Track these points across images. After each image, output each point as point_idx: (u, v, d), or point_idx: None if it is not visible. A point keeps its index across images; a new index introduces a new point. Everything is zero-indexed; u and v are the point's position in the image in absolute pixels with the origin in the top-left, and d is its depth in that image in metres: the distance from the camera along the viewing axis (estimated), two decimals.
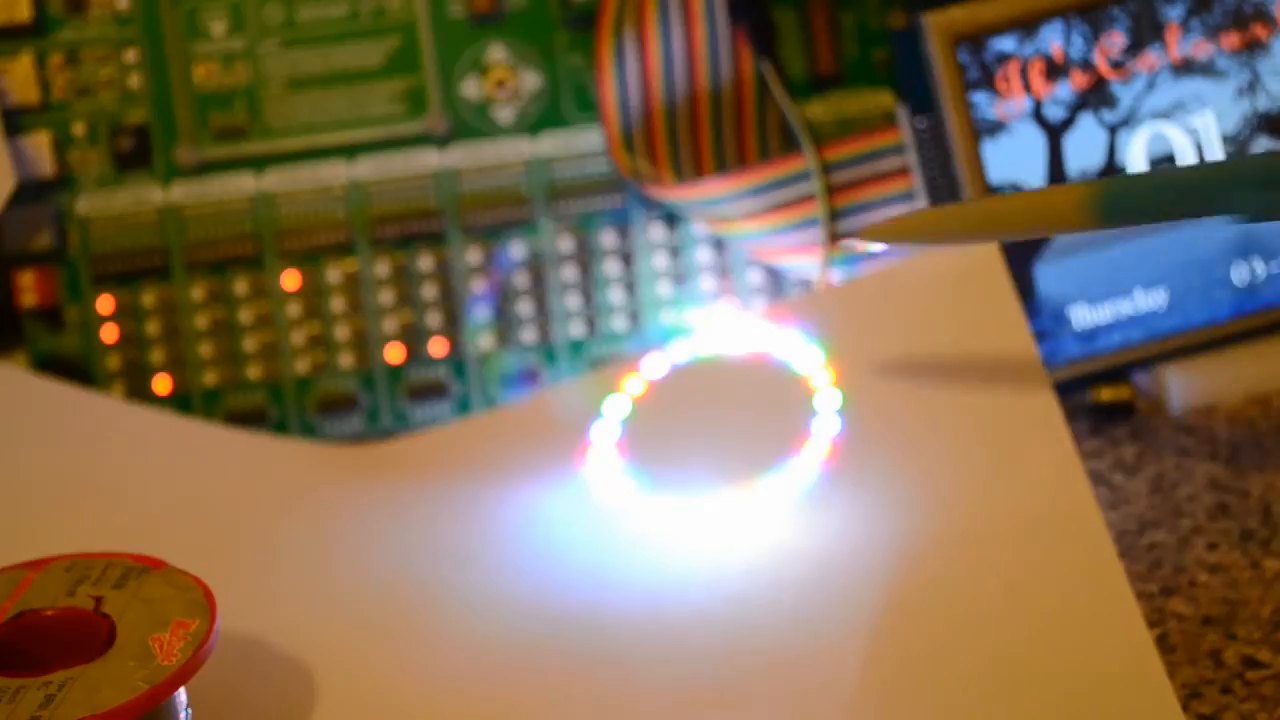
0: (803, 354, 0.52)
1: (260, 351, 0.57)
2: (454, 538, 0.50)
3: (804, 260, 0.56)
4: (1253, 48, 0.55)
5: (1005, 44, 0.54)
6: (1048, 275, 0.54)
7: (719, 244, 0.57)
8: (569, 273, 0.58)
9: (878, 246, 0.45)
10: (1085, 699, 0.41)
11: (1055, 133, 0.55)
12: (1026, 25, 0.54)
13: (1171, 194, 0.37)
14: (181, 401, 0.57)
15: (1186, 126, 0.55)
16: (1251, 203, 0.35)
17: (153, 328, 0.57)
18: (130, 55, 0.57)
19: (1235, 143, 0.55)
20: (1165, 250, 0.55)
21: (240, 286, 0.57)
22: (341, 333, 0.57)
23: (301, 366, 0.57)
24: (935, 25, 0.54)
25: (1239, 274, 0.55)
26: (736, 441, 0.51)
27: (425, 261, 0.57)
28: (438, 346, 0.58)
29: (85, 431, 0.55)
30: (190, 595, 0.40)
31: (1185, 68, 0.55)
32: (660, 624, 0.45)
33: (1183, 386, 0.55)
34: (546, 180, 0.58)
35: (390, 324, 0.57)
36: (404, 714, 0.43)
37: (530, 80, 0.58)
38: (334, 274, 0.57)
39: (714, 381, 0.53)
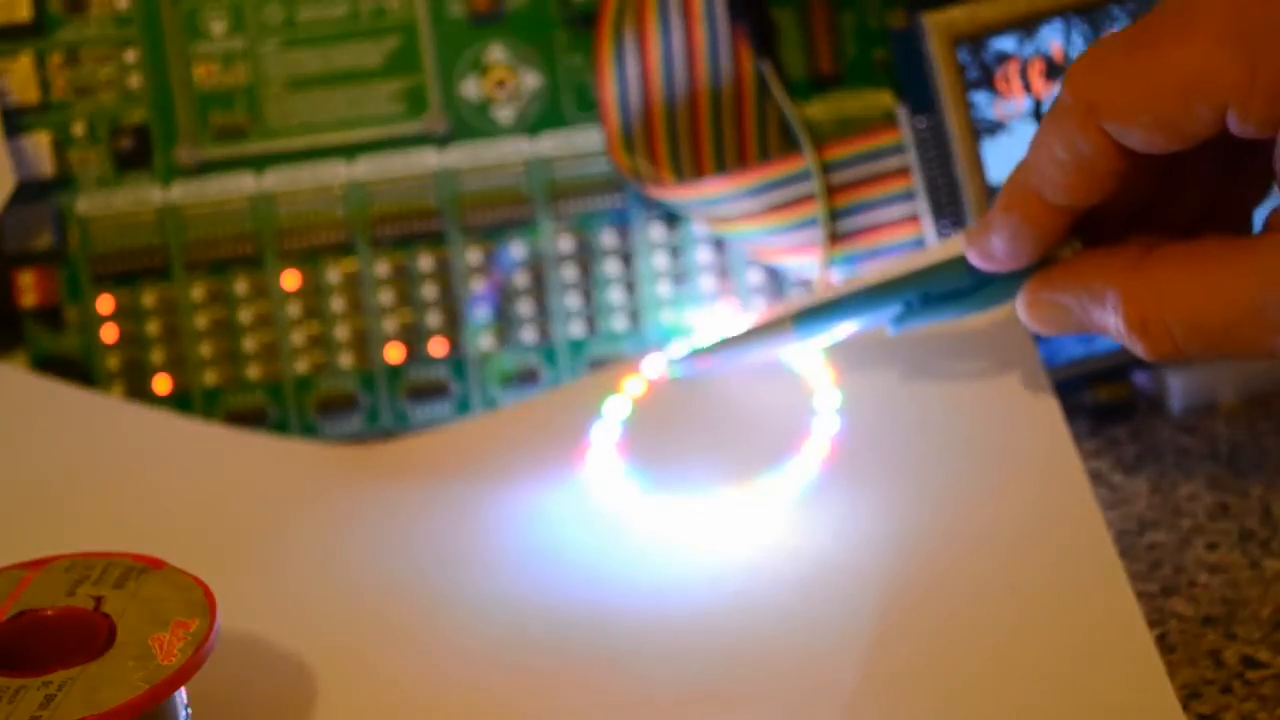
0: (803, 354, 0.52)
1: (260, 351, 0.57)
2: (455, 538, 0.50)
3: (804, 260, 0.56)
4: None
5: (1005, 44, 0.54)
6: None
7: (719, 244, 0.57)
8: (569, 273, 0.58)
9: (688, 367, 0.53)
10: (1086, 699, 0.41)
11: None
12: (1026, 25, 0.54)
13: (837, 317, 0.49)
14: (181, 401, 0.57)
15: None
16: (893, 320, 0.48)
17: (153, 328, 0.57)
18: (130, 55, 0.57)
19: None
20: None
21: (240, 286, 0.57)
22: (341, 333, 0.57)
23: (301, 366, 0.57)
24: (935, 25, 0.54)
25: None
26: (736, 441, 0.51)
27: (425, 261, 0.57)
28: (438, 346, 0.58)
29: (85, 431, 0.55)
30: (190, 595, 0.40)
31: None
32: (660, 624, 0.45)
33: (1183, 386, 0.55)
34: (546, 180, 0.58)
35: (390, 324, 0.57)
36: (404, 713, 0.43)
37: (530, 80, 0.58)
38: (334, 274, 0.57)
39: (714, 381, 0.53)
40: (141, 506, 0.52)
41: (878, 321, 0.48)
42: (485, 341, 0.58)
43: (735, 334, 0.52)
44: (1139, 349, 0.42)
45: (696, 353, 0.52)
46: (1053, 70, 0.54)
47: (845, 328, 0.49)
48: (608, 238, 0.58)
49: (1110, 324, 0.43)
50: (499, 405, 0.57)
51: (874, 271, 0.52)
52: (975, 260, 0.46)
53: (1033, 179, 0.43)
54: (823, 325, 0.49)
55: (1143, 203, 0.45)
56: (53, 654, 0.38)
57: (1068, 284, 0.44)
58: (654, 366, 0.54)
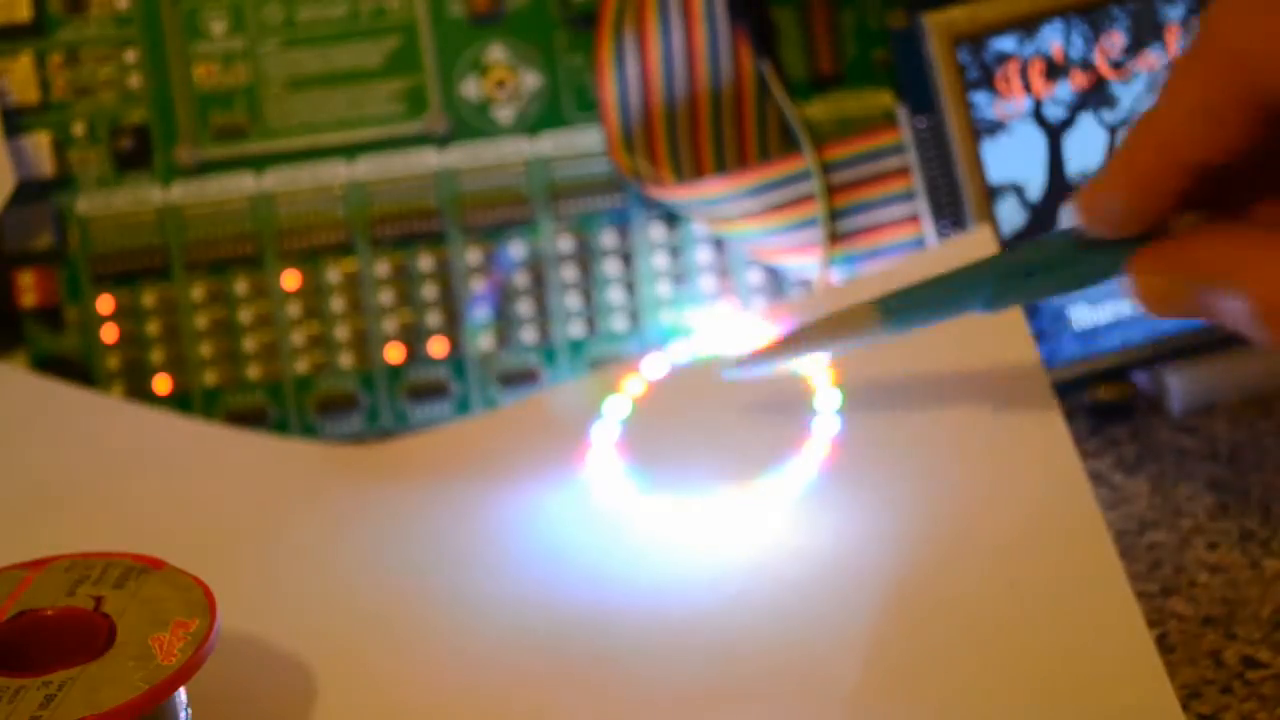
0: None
1: (260, 351, 0.57)
2: (454, 538, 0.50)
3: (804, 260, 0.56)
4: None
5: (1005, 44, 0.54)
6: None
7: (719, 244, 0.57)
8: (569, 273, 0.58)
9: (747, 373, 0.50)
10: (1086, 699, 0.41)
11: (1055, 133, 0.55)
12: (1026, 25, 0.54)
13: (932, 299, 0.46)
14: (181, 401, 0.57)
15: None
16: (989, 298, 0.45)
17: (153, 328, 0.57)
18: (130, 55, 0.57)
19: None
20: None
21: (240, 286, 0.57)
22: (341, 333, 0.57)
23: (301, 366, 0.57)
24: (935, 25, 0.54)
25: None
26: (736, 441, 0.51)
27: (425, 261, 0.57)
28: (438, 346, 0.58)
29: (85, 431, 0.55)
30: (190, 595, 0.40)
31: None
32: (661, 624, 0.45)
33: (1183, 386, 0.55)
34: (546, 180, 0.58)
35: (390, 324, 0.57)
36: (404, 713, 0.43)
37: (530, 80, 0.58)
38: (334, 274, 0.57)
39: (714, 381, 0.53)
40: (141, 506, 0.52)
41: (971, 306, 0.45)
42: (485, 341, 0.58)
43: (805, 328, 0.48)
44: (1265, 338, 0.38)
45: (757, 352, 0.49)
46: (1053, 70, 0.54)
47: (939, 314, 0.46)
48: (608, 238, 0.58)
49: (1229, 310, 0.39)
50: (499, 405, 0.57)
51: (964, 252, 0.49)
52: (1084, 219, 0.41)
53: (1157, 129, 0.40)
54: (914, 314, 0.46)
55: (1269, 170, 0.41)
56: (53, 654, 0.38)
57: (1183, 261, 0.40)
58: (656, 366, 0.53)
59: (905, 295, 0.46)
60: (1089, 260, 0.43)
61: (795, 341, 0.48)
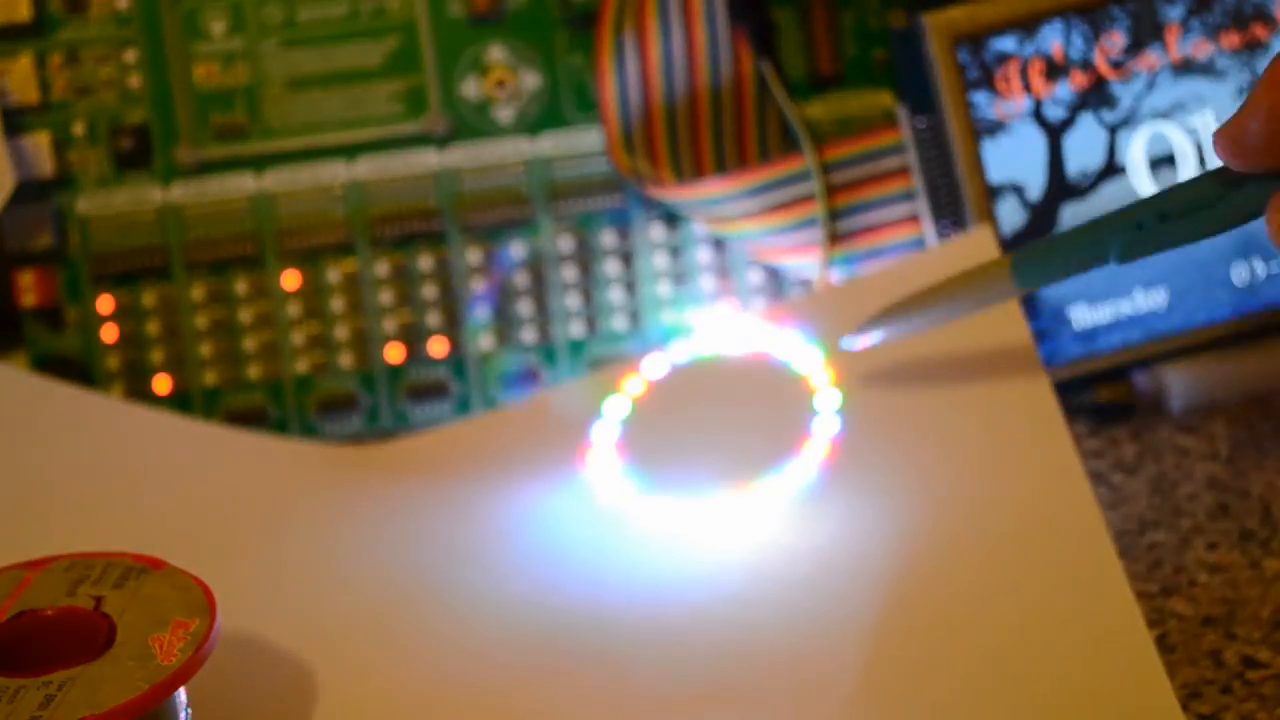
0: (803, 354, 0.52)
1: (260, 351, 0.57)
2: (454, 538, 0.50)
3: (804, 260, 0.56)
4: (1252, 48, 0.55)
5: (1005, 44, 0.54)
6: None
7: (719, 244, 0.57)
8: (569, 273, 0.58)
9: (865, 341, 0.49)
10: (1085, 699, 0.41)
11: (1055, 133, 0.55)
12: (1026, 25, 0.54)
13: (1061, 255, 0.44)
14: (181, 401, 0.57)
15: (1186, 126, 0.55)
16: (1123, 246, 0.43)
17: (153, 328, 0.57)
18: (130, 55, 0.57)
19: None
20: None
21: (240, 286, 0.57)
22: (341, 333, 0.57)
23: (301, 366, 0.57)
24: (935, 25, 0.54)
25: (1239, 274, 0.55)
26: (736, 441, 0.51)
27: (425, 261, 0.57)
28: (438, 346, 0.58)
29: (85, 431, 0.55)
30: (190, 595, 0.40)
31: (1185, 68, 0.55)
32: (660, 623, 0.45)
33: (1183, 386, 0.55)
34: (546, 180, 0.58)
35: (390, 324, 0.57)
36: (404, 713, 0.43)
37: (530, 80, 0.58)
38: (334, 274, 0.57)
39: (714, 381, 0.53)
40: (141, 506, 0.52)
41: (1104, 258, 0.43)
42: (485, 341, 0.58)
43: (932, 289, 0.47)
44: None
45: (877, 318, 0.48)
46: (1053, 70, 0.54)
47: (1070, 268, 0.44)
48: (608, 238, 0.58)
49: None
50: (499, 405, 0.57)
51: None
52: (1224, 152, 0.38)
53: None
54: (1046, 269, 0.44)
55: None
56: (53, 654, 0.38)
57: None
58: (656, 366, 0.53)
59: (1036, 250, 0.45)
60: (1230, 201, 0.40)
61: (920, 304, 0.47)
